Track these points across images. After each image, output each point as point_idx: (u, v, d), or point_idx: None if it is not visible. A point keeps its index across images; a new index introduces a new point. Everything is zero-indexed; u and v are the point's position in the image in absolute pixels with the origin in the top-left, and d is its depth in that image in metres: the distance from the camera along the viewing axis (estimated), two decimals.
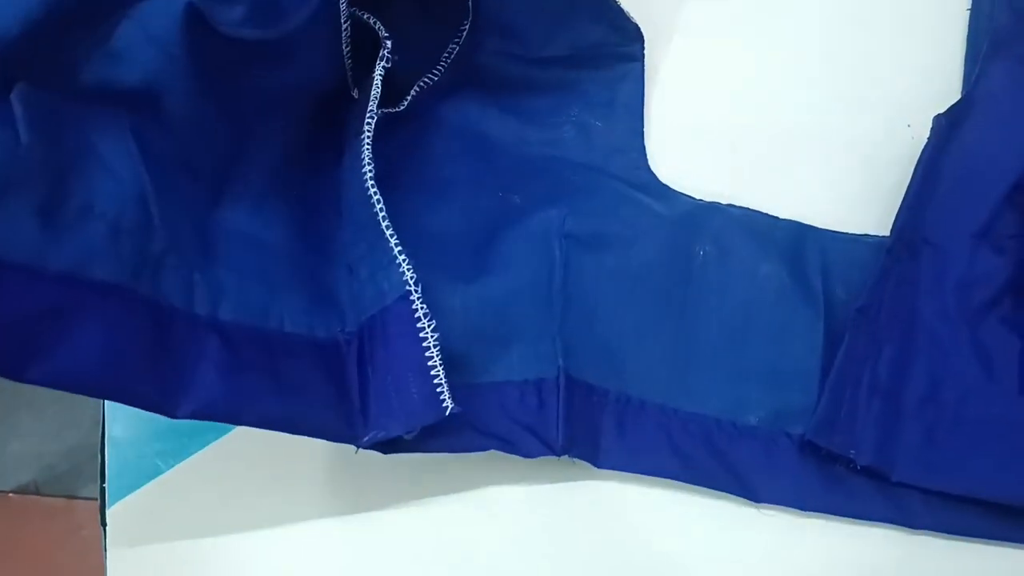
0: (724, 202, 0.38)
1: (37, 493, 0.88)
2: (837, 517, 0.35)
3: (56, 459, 0.88)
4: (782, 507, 0.35)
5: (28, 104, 0.25)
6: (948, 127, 0.36)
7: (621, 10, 0.38)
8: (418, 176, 0.39)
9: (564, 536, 0.36)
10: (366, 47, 0.35)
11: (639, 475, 0.36)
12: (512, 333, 0.36)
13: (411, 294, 0.32)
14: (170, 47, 0.28)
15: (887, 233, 0.36)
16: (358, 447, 0.32)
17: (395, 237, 0.32)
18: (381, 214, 0.32)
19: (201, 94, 0.30)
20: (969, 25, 0.39)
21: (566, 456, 0.35)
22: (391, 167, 0.34)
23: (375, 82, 0.33)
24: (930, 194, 0.36)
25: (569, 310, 0.37)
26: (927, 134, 0.37)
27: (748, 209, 0.38)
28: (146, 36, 0.28)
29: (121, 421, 0.38)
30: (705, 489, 0.36)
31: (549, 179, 0.39)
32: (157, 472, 0.37)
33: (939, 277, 0.35)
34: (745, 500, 0.35)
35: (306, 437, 0.31)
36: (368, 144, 0.32)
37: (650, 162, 0.39)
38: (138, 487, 0.37)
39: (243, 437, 0.38)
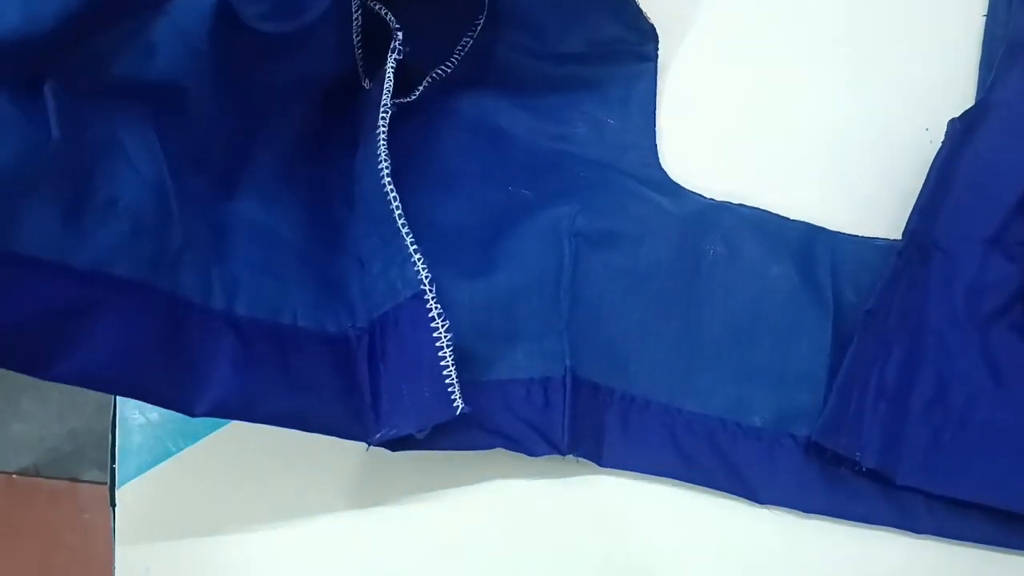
0: (735, 202, 0.39)
1: (38, 475, 0.88)
2: (840, 519, 0.35)
3: (59, 441, 0.89)
4: (784, 508, 0.35)
5: (59, 99, 0.25)
6: (962, 132, 0.36)
7: (639, 9, 0.38)
8: (427, 169, 0.39)
9: (566, 532, 0.36)
10: (377, 37, 0.35)
11: (642, 474, 0.36)
12: (519, 330, 0.36)
13: (425, 293, 0.32)
14: (197, 41, 0.28)
15: (900, 236, 0.36)
16: (369, 444, 0.32)
17: (411, 235, 0.32)
18: (398, 211, 0.32)
19: (217, 88, 0.30)
20: (985, 30, 0.39)
21: (571, 456, 0.35)
22: (400, 159, 0.34)
23: (387, 74, 0.33)
24: (943, 199, 0.36)
25: (576, 308, 0.37)
26: (943, 138, 0.37)
27: (759, 209, 0.38)
28: (176, 30, 0.28)
29: (132, 402, 0.38)
30: (708, 489, 0.36)
31: (560, 174, 0.39)
32: (167, 454, 0.38)
33: (949, 282, 0.35)
34: (748, 500, 0.36)
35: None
36: (384, 139, 0.32)
37: (662, 161, 0.39)
38: (148, 469, 0.37)
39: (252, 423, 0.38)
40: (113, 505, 0.37)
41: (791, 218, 0.38)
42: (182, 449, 0.38)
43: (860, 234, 0.38)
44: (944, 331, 0.35)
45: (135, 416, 0.38)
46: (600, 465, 0.36)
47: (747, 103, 0.40)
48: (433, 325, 0.31)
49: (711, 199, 0.39)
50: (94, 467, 0.86)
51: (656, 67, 0.40)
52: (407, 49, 0.33)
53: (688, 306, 0.37)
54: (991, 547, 0.35)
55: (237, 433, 0.38)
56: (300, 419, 0.31)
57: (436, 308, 0.31)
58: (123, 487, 0.37)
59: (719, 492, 0.36)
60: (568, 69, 0.39)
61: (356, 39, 0.35)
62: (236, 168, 0.32)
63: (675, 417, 0.36)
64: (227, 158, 0.31)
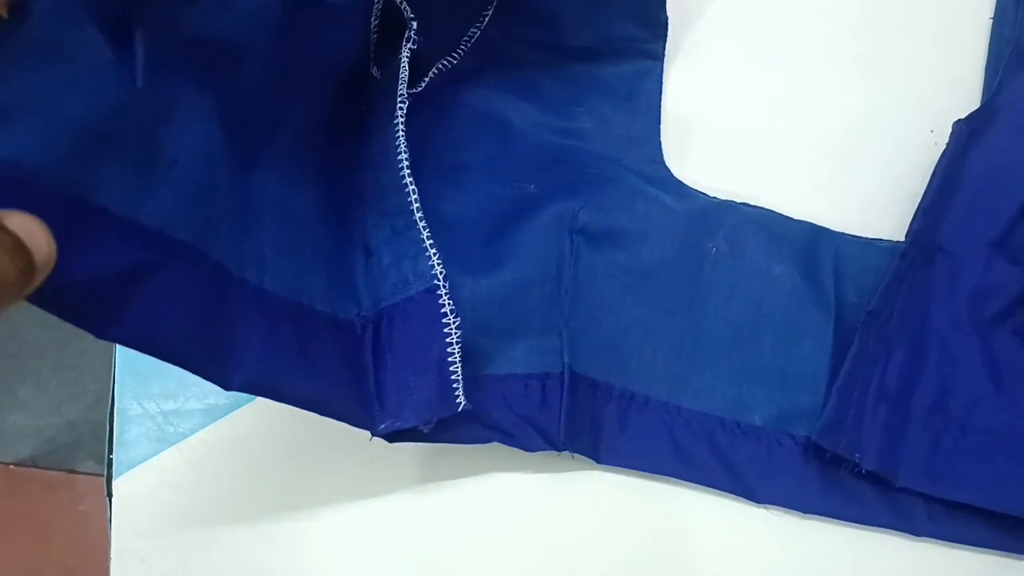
0: (739, 201, 0.38)
1: (35, 466, 0.88)
2: (839, 521, 0.35)
3: (56, 432, 0.89)
4: (783, 509, 0.35)
5: (146, 47, 0.24)
6: (968, 135, 0.36)
7: (661, 1, 0.38)
8: (434, 161, 0.39)
9: (563, 528, 0.36)
10: (386, 25, 0.35)
11: (640, 472, 0.36)
12: (519, 326, 0.36)
13: (439, 287, 0.32)
14: (267, 1, 0.28)
15: (903, 238, 0.36)
16: (373, 434, 0.32)
17: (427, 229, 0.32)
18: (416, 204, 0.32)
19: (269, 54, 0.29)
20: (992, 32, 0.39)
21: (567, 452, 0.35)
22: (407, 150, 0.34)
23: (402, 64, 0.32)
24: (947, 202, 0.36)
25: (577, 305, 0.37)
26: (948, 140, 0.37)
27: (762, 208, 0.38)
28: None
29: (131, 392, 0.38)
30: (706, 488, 0.36)
31: (565, 169, 0.39)
32: (164, 445, 0.37)
33: (952, 285, 0.35)
34: (746, 500, 0.35)
35: (329, 420, 0.31)
36: (403, 130, 0.32)
37: (666, 159, 0.39)
38: (145, 460, 0.37)
39: (250, 415, 0.38)
40: (110, 496, 0.37)
41: (795, 218, 0.38)
42: (179, 441, 0.38)
43: (864, 235, 0.38)
44: (947, 335, 0.35)
45: (132, 407, 0.38)
46: (598, 462, 0.36)
47: (751, 103, 0.40)
48: (445, 320, 0.31)
49: (715, 198, 0.39)
50: (91, 459, 0.86)
51: (663, 66, 0.40)
52: (421, 39, 0.33)
53: (690, 304, 0.37)
54: (990, 551, 0.35)
55: (234, 425, 0.38)
56: (319, 403, 0.30)
57: (449, 304, 0.31)
58: (120, 478, 0.37)
59: (717, 491, 0.36)
60: (577, 63, 0.39)
61: (374, 23, 0.35)
62: (265, 141, 0.31)
63: (674, 415, 0.36)
64: (260, 130, 0.31)
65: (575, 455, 0.35)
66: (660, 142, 0.39)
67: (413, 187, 0.32)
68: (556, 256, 0.37)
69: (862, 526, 0.35)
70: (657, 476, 0.36)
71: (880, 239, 0.38)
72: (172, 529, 0.37)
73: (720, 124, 0.40)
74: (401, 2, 0.33)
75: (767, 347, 0.37)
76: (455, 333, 0.31)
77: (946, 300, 0.35)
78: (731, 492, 0.35)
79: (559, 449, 0.35)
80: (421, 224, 0.32)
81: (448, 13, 0.37)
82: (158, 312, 0.25)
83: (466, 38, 0.38)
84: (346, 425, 0.31)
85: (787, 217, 0.38)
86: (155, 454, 0.37)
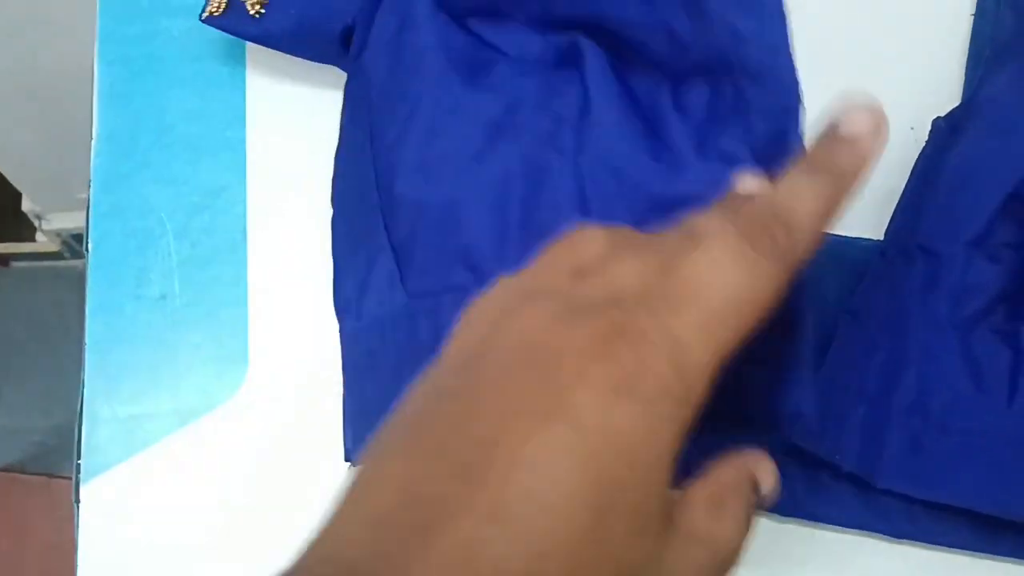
0: None
1: (23, 471, 0.87)
2: (818, 523, 0.35)
3: (44, 435, 0.88)
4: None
5: None
6: (948, 132, 0.36)
7: None
8: None
9: None
10: None
11: None
12: None
13: None
14: None
15: (883, 236, 0.36)
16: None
17: None
18: None
19: None
20: (973, 28, 0.39)
21: None
22: None
23: None
24: (927, 200, 0.35)
25: None
26: (927, 137, 0.36)
27: None
28: None
29: (100, 395, 0.38)
30: None
31: None
32: (134, 450, 0.37)
33: (933, 284, 0.35)
34: None
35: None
36: None
37: None
38: (113, 465, 0.37)
39: (223, 418, 0.37)
40: (77, 501, 0.37)
41: None
42: (149, 445, 0.37)
43: (843, 233, 0.37)
44: (926, 334, 0.35)
45: (102, 410, 0.37)
46: None
47: None
48: None
49: None
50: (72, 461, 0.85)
51: None
52: None
53: None
54: (970, 552, 0.34)
55: (205, 428, 0.37)
56: None
57: None
58: (88, 483, 0.37)
59: None
60: None
61: None
62: None
63: None
64: None
65: None
66: None
67: None
68: None
69: (842, 529, 0.35)
70: None
71: (860, 237, 0.37)
72: (140, 535, 0.36)
73: None
74: None
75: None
76: None
77: (926, 299, 0.35)
78: None
79: None
80: None
81: None
82: None
83: None
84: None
85: None
86: (124, 458, 0.37)
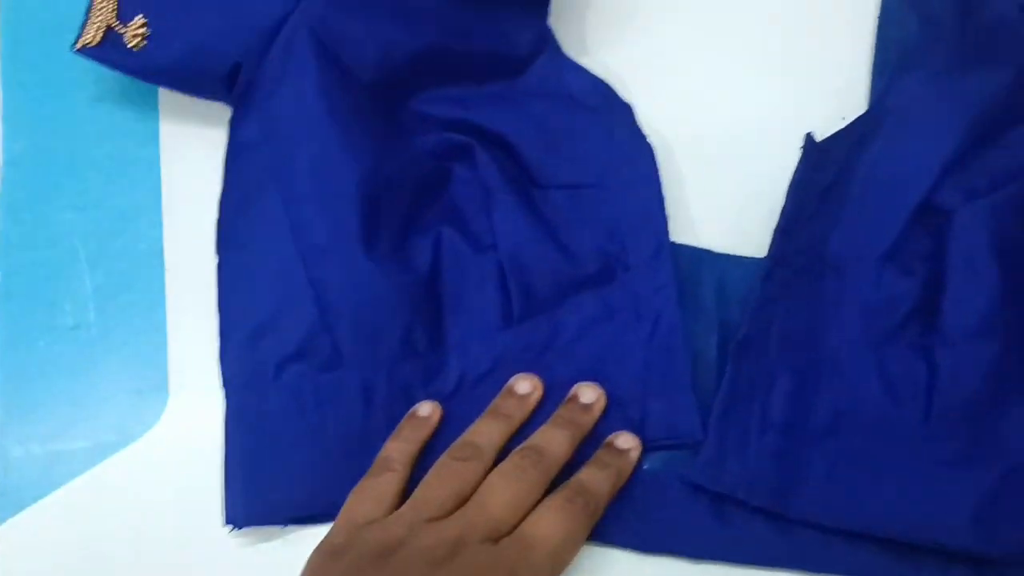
0: None
1: None
2: (733, 563, 0.33)
3: None
4: (672, 556, 0.33)
5: None
6: (856, 144, 0.35)
7: None
8: None
9: None
10: None
11: None
12: None
13: None
14: None
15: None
16: None
17: None
18: None
19: None
20: (878, 33, 0.38)
21: None
22: None
23: None
24: (835, 215, 0.35)
25: None
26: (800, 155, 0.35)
27: None
28: None
29: (14, 433, 0.37)
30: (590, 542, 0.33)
31: None
32: (50, 489, 0.36)
33: (844, 301, 0.34)
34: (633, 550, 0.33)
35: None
36: None
37: None
38: (29, 504, 0.36)
39: (141, 452, 0.36)
40: None
41: (676, 243, 0.36)
42: (66, 482, 0.36)
43: (747, 254, 0.36)
44: (839, 354, 0.34)
45: (15, 449, 0.36)
46: None
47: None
48: None
49: None
50: None
51: None
52: None
53: None
54: None
55: (123, 464, 0.36)
56: None
57: None
58: (3, 524, 0.36)
59: (601, 544, 0.33)
60: None
61: None
62: None
63: None
64: None
65: None
66: None
67: None
68: None
69: (758, 567, 0.33)
70: None
71: (743, 256, 0.36)
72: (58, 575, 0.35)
73: None
74: None
75: None
76: None
77: (837, 318, 0.34)
78: (616, 543, 0.33)
79: None
80: None
81: None
82: None
83: None
84: None
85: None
86: (40, 497, 0.36)
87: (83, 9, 0.37)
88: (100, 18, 0.37)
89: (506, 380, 0.34)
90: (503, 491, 0.31)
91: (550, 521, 0.31)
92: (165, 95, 0.41)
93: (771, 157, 0.37)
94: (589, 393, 0.34)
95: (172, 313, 0.38)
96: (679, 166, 0.38)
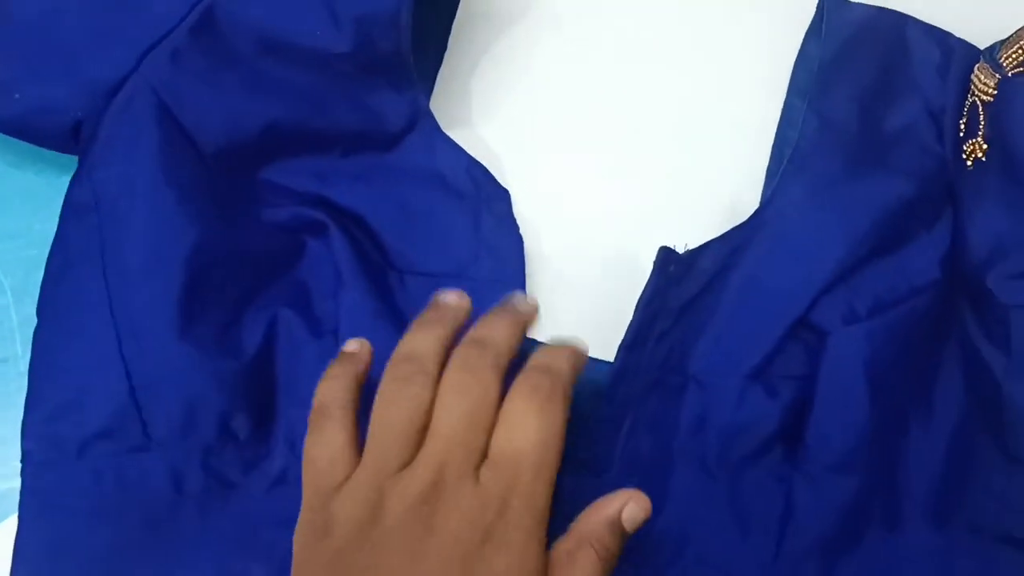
0: None
1: None
2: None
3: None
4: None
5: None
6: (731, 254, 0.33)
7: None
8: None
9: None
10: None
11: None
12: None
13: None
14: None
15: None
16: None
17: None
18: None
19: None
20: (777, 132, 0.36)
21: None
22: None
23: None
24: (698, 327, 0.33)
25: None
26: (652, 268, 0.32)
27: None
28: None
29: None
30: None
31: None
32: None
33: (703, 423, 0.32)
34: None
35: None
36: None
37: None
38: None
39: None
40: None
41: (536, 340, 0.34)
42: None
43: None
44: (689, 476, 0.32)
45: None
46: None
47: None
48: None
49: None
50: None
51: None
52: None
53: None
54: None
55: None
56: None
57: None
58: None
59: None
60: None
61: None
62: None
63: None
64: None
65: None
66: None
67: None
68: None
69: None
70: None
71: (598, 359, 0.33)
72: None
73: None
74: None
75: None
76: None
77: (693, 436, 0.32)
78: None
79: None
80: None
81: None
82: None
83: None
84: None
85: None
86: None
87: None
88: None
89: None
90: (458, 406, 0.27)
91: (523, 424, 0.27)
92: None
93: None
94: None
95: None
96: (551, 256, 0.36)
